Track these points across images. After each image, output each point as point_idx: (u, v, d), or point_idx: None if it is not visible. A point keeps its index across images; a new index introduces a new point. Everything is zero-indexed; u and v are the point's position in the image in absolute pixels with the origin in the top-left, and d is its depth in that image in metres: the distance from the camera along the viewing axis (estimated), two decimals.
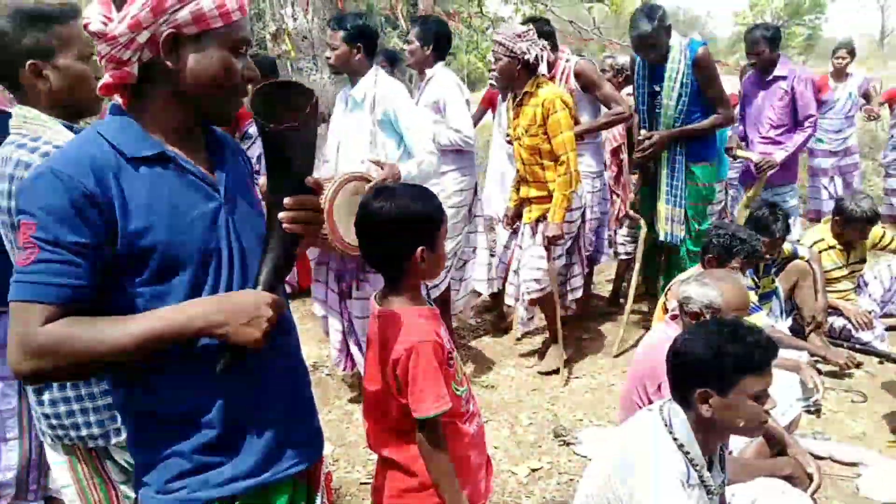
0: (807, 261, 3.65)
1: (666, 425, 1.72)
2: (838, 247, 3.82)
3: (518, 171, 3.57)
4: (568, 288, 3.78)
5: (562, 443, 2.96)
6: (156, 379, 1.13)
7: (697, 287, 2.24)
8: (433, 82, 3.56)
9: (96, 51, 1.10)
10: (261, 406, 1.21)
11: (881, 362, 3.63)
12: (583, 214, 3.63)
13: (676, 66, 3.49)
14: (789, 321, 3.64)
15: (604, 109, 3.89)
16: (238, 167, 1.30)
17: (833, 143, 6.00)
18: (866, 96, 6.11)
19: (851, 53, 5.99)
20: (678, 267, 3.72)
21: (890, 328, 3.97)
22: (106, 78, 1.12)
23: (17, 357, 1.03)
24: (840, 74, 5.97)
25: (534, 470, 2.78)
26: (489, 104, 5.36)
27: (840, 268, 3.83)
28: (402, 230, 1.47)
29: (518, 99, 3.39)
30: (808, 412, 3.08)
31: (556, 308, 3.60)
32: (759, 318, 3.06)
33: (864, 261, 3.95)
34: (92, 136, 1.11)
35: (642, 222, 3.92)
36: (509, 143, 3.74)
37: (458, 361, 1.61)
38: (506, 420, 3.21)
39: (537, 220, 3.48)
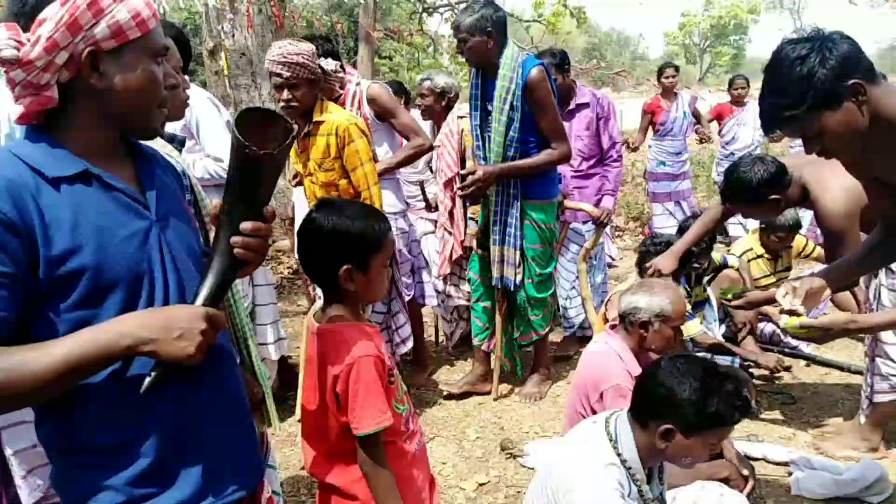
0: (737, 269, 3.81)
1: (611, 439, 1.73)
2: (766, 256, 4.01)
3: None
4: (397, 339, 3.40)
5: (509, 456, 2.98)
6: (84, 410, 1.07)
7: (645, 296, 2.29)
8: None
9: (6, 79, 1.03)
10: (197, 432, 1.17)
11: (808, 365, 3.83)
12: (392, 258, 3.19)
13: (507, 84, 3.00)
14: (723, 328, 3.79)
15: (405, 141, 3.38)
16: (169, 184, 1.26)
17: (674, 166, 6.02)
18: (696, 116, 6.17)
19: (678, 71, 6.15)
20: (520, 315, 3.42)
21: None
22: (21, 109, 1.05)
23: None
24: (669, 94, 6.03)
25: (481, 484, 2.79)
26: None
27: (768, 276, 4.01)
28: (330, 245, 1.46)
29: (306, 129, 2.85)
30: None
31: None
32: (693, 326, 3.17)
33: (790, 269, 4.15)
34: (6, 158, 1.05)
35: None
36: (298, 183, 3.20)
37: (398, 379, 1.60)
38: (453, 436, 3.20)
39: None
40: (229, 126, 1.11)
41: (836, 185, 2.55)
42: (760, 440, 3.02)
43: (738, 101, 6.30)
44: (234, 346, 1.85)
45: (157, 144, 1.71)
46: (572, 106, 3.93)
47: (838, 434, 3.01)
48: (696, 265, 3.32)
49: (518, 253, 3.29)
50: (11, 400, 1.00)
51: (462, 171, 3.22)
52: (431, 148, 3.37)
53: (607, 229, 4.23)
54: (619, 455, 1.70)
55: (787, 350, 3.87)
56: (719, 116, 6.47)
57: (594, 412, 2.33)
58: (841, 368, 3.70)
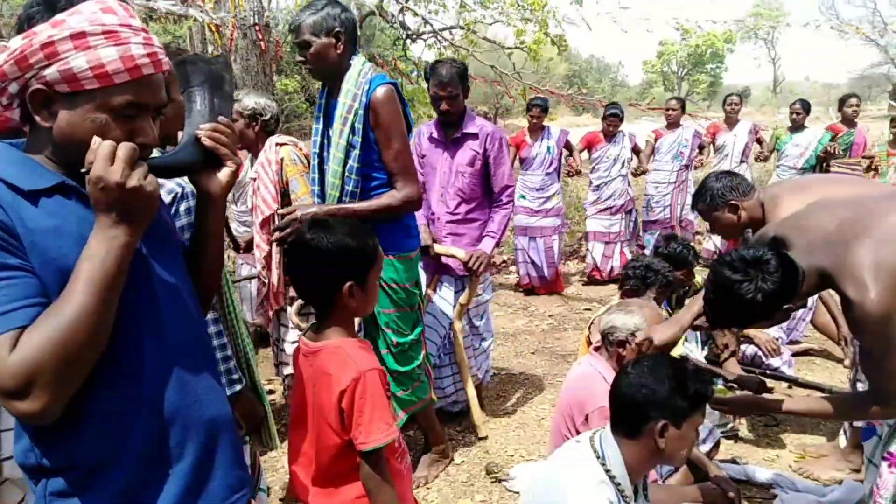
0: None
1: (598, 456, 1.74)
2: None
3: None
4: None
5: (494, 480, 2.96)
6: (68, 430, 1.06)
7: (621, 316, 2.31)
8: None
9: None
10: (177, 447, 1.15)
11: (790, 386, 3.85)
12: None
13: (349, 101, 2.43)
14: (705, 350, 3.81)
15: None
16: None
17: (534, 202, 5.98)
18: (569, 148, 6.23)
19: (545, 111, 6.08)
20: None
21: (796, 354, 4.24)
22: None
23: (18, 403, 0.96)
24: (535, 130, 6.04)
25: None
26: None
27: None
28: (332, 264, 1.47)
29: None
30: (727, 438, 3.21)
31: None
32: (677, 349, 3.19)
33: None
34: None
35: None
36: None
37: (391, 397, 1.60)
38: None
39: None
40: (200, 58, 1.33)
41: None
42: (745, 462, 3.02)
43: (607, 134, 6.31)
44: (238, 367, 1.86)
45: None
46: (458, 134, 3.25)
47: (821, 455, 3.02)
48: (680, 288, 3.34)
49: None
50: (79, 356, 0.99)
51: (280, 211, 2.61)
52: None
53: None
54: (607, 472, 1.70)
55: (768, 372, 3.89)
56: (590, 145, 6.44)
57: (579, 434, 2.32)
58: (821, 390, 3.73)
